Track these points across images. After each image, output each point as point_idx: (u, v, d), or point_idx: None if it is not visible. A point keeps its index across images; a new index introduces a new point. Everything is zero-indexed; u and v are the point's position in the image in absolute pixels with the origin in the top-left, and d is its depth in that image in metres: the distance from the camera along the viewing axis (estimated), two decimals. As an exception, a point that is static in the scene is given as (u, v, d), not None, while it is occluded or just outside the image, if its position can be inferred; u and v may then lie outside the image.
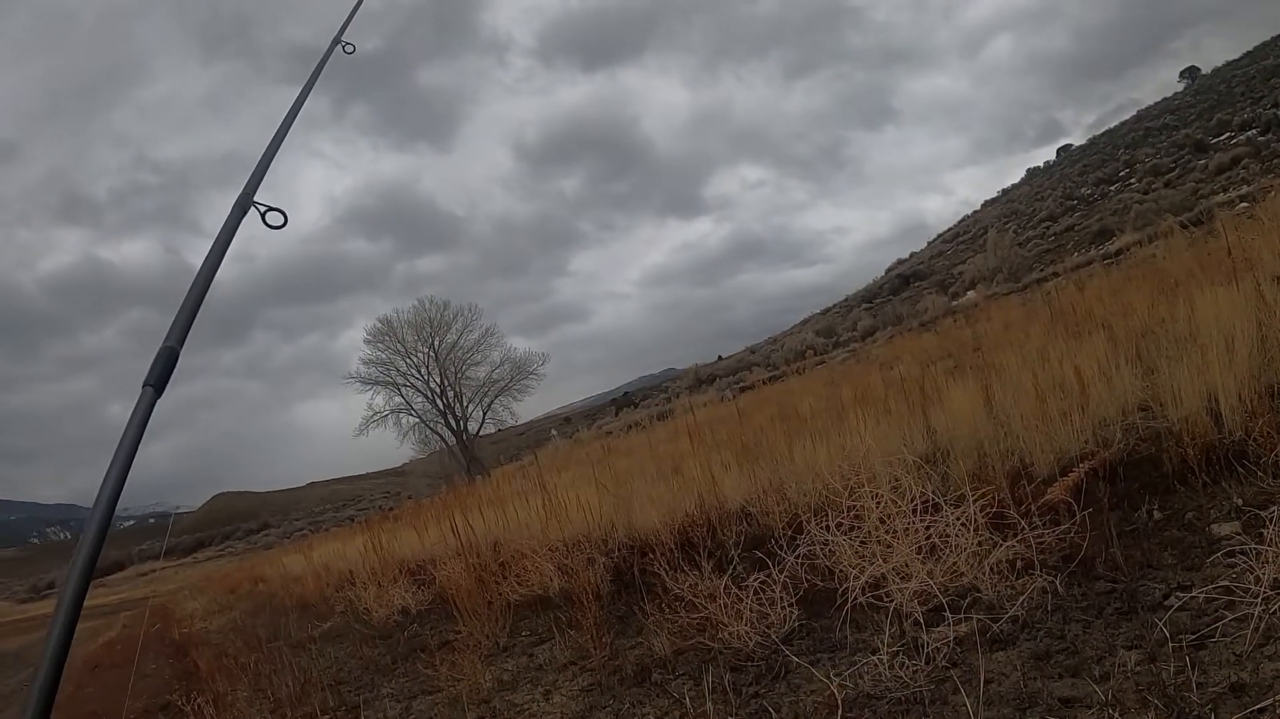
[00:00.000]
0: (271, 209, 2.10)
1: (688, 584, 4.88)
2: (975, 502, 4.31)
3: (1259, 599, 2.84)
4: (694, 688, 4.07)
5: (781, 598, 4.46)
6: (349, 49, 3.48)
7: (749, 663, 4.18)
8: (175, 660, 9.69)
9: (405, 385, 48.58)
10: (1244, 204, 17.91)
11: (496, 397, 48.98)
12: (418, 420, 48.74)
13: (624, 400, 49.28)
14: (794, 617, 4.46)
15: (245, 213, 2.09)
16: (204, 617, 16.97)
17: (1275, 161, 29.87)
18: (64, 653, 1.40)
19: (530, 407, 51.05)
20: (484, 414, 49.27)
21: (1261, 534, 3.19)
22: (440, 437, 49.08)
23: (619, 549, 6.87)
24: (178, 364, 1.82)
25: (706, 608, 4.58)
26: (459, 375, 48.92)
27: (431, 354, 48.76)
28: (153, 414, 1.74)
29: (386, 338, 48.71)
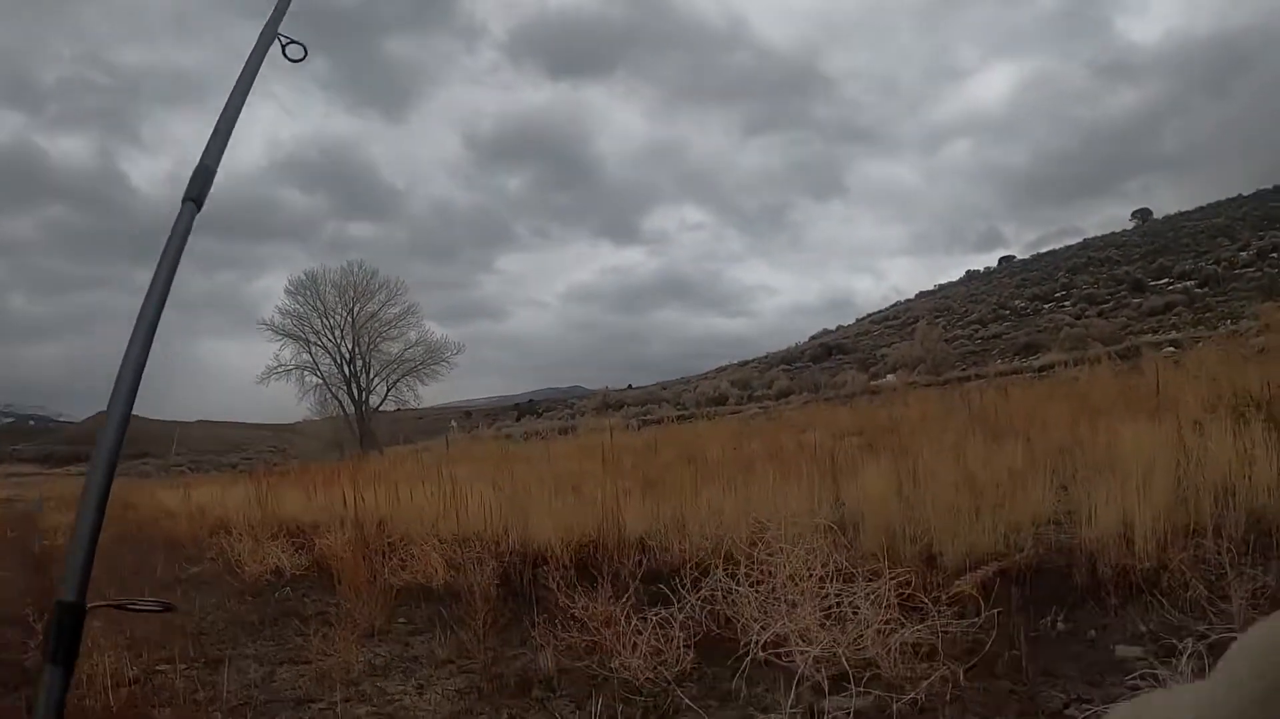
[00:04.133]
0: (293, 41, 2.15)
1: (581, 604, 4.90)
2: (890, 579, 4.46)
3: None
4: (576, 711, 4.09)
5: (680, 637, 4.52)
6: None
7: (637, 696, 4.21)
8: (33, 574, 9.28)
9: (316, 344, 48.20)
10: (1171, 348, 18.97)
11: (404, 376, 48.99)
12: (321, 382, 48.41)
13: (527, 407, 49.40)
14: (688, 659, 4.52)
15: (270, 44, 2.14)
16: (68, 533, 16.08)
17: (1207, 315, 31.74)
18: (95, 537, 1.35)
19: (434, 393, 51.16)
20: (388, 390, 49.26)
21: (1170, 662, 3.40)
22: (340, 403, 48.76)
23: (511, 555, 6.86)
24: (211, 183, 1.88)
25: (601, 633, 4.61)
26: (371, 346, 48.76)
27: (349, 319, 48.47)
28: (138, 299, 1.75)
29: (308, 292, 48.29)
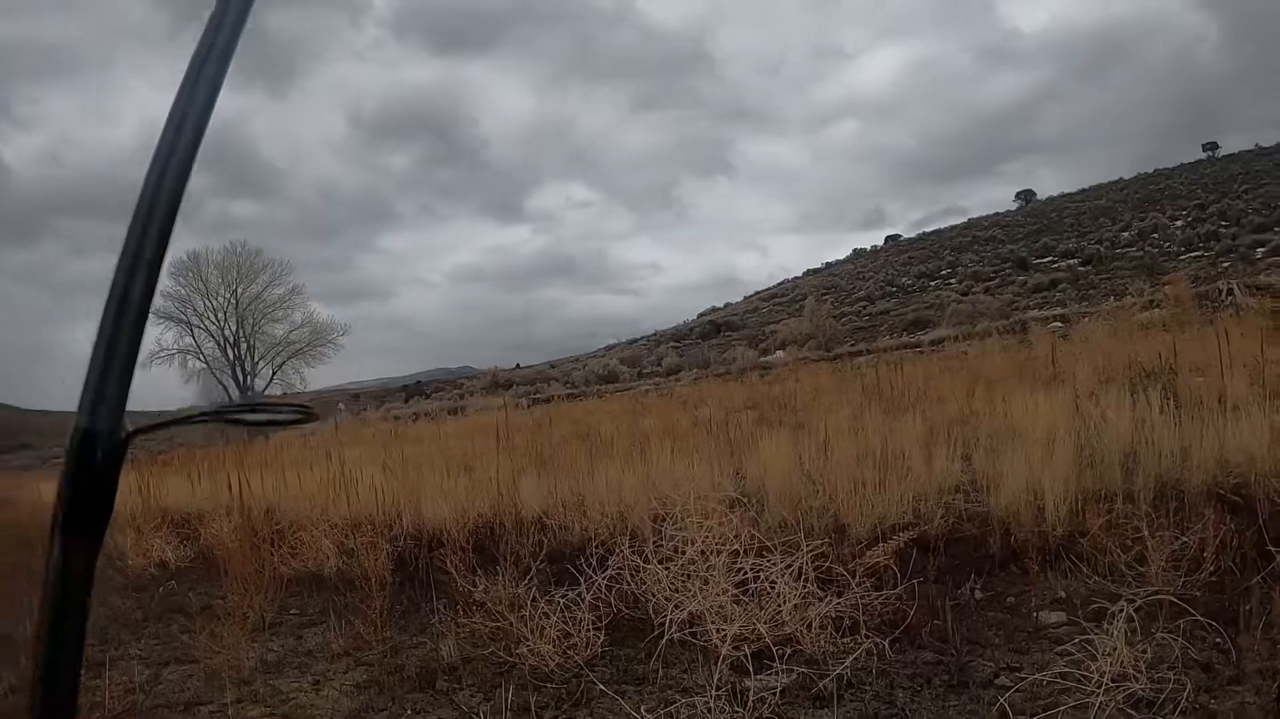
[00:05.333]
0: None
1: (482, 588, 4.69)
2: (807, 553, 4.38)
3: (1100, 689, 2.99)
4: (485, 703, 3.88)
5: (589, 619, 4.35)
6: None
7: (548, 683, 4.04)
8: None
9: (199, 327, 47.61)
10: (1058, 324, 19.66)
11: (289, 358, 48.84)
12: (205, 366, 47.92)
13: (416, 388, 48.75)
14: (599, 641, 4.35)
15: None
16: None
17: (1091, 292, 33.18)
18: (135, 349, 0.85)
19: (321, 375, 50.85)
20: (273, 374, 48.91)
21: (1089, 627, 3.40)
22: (224, 387, 47.89)
23: (405, 538, 6.59)
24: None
25: (506, 617, 4.40)
26: (256, 329, 48.30)
27: (233, 300, 47.81)
28: None
29: (190, 273, 47.44)
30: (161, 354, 46.51)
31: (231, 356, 48.32)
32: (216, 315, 47.93)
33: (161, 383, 49.74)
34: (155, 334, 46.29)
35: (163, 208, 0.88)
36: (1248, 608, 3.49)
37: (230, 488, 8.32)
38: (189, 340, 47.53)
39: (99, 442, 0.81)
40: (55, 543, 0.82)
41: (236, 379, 48.20)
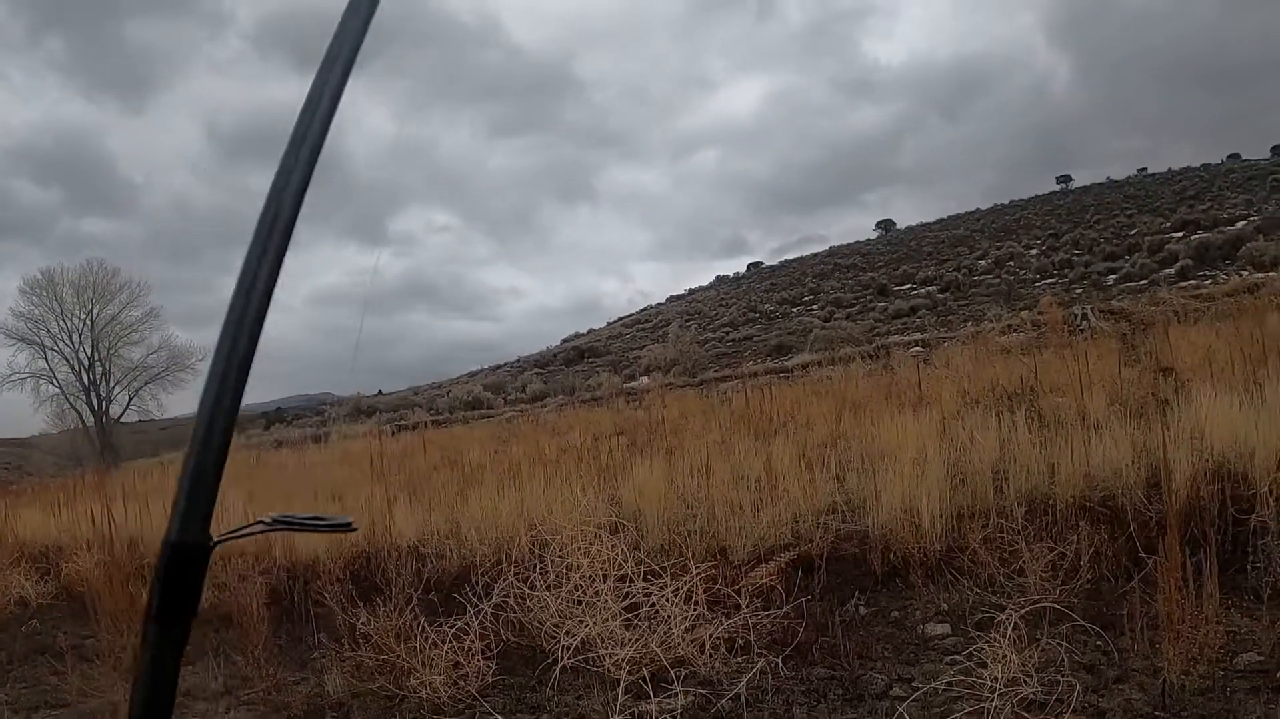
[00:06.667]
0: None
1: (364, 619, 4.56)
2: (698, 575, 4.44)
3: (994, 694, 3.13)
4: (375, 738, 3.78)
5: (478, 648, 4.29)
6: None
7: (441, 716, 3.97)
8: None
9: (52, 349, 45.03)
10: (919, 349, 20.54)
11: (147, 383, 46.42)
12: (58, 391, 45.29)
13: (276, 415, 47.28)
14: (490, 671, 4.30)
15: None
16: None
17: (950, 318, 34.84)
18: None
19: (179, 402, 48.96)
20: (130, 399, 46.60)
21: (975, 637, 3.57)
22: (79, 414, 45.68)
23: (277, 570, 6.35)
24: None
25: (394, 649, 4.29)
26: (112, 352, 45.81)
27: (88, 322, 45.38)
28: None
29: (44, 293, 44.83)
30: (13, 378, 44.38)
31: (86, 381, 45.96)
32: (71, 337, 45.63)
33: (12, 408, 47.30)
34: (6, 357, 44.31)
35: (237, 364, 1.03)
36: (1125, 612, 3.72)
37: (94, 520, 7.95)
38: (42, 364, 45.09)
39: (188, 551, 0.95)
40: (147, 635, 0.95)
41: (91, 405, 45.99)
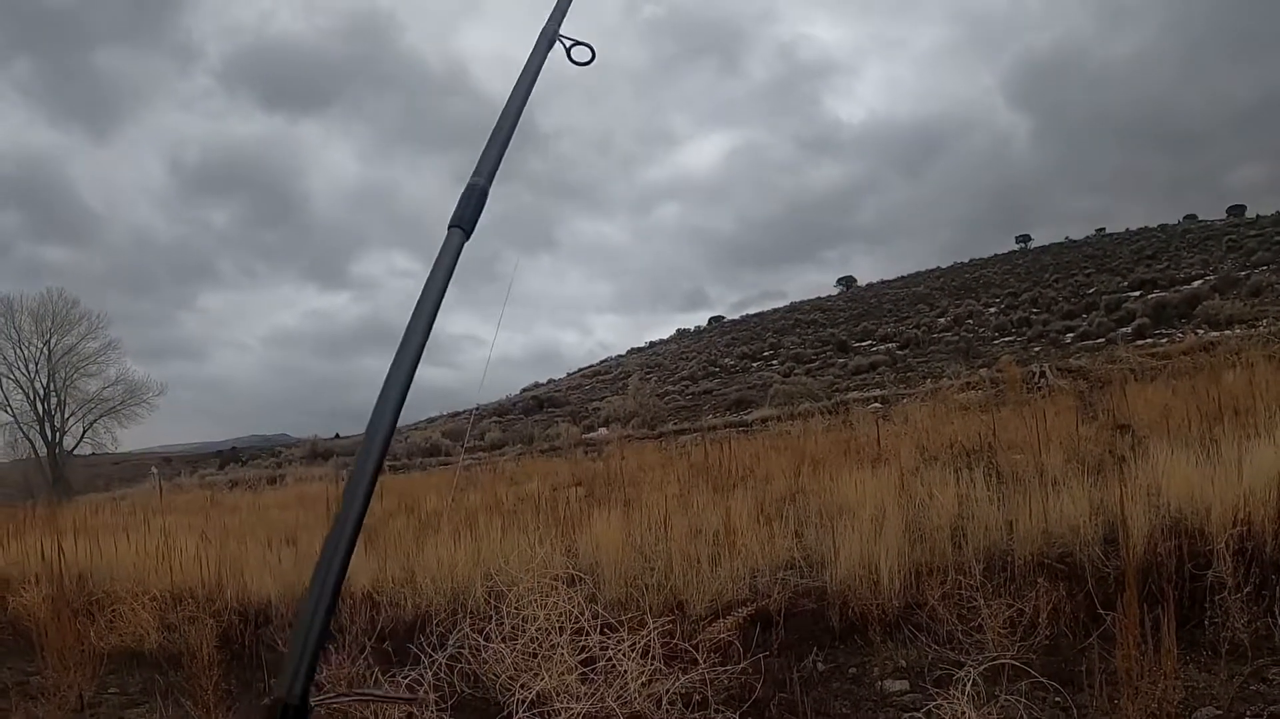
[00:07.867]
0: (578, 44, 2.00)
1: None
2: (655, 629, 4.42)
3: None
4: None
5: (433, 699, 4.23)
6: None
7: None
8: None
9: (8, 377, 45.48)
10: (878, 404, 20.73)
11: (101, 416, 46.86)
12: (11, 420, 45.65)
13: (231, 455, 46.90)
14: (445, 724, 4.24)
15: (550, 46, 1.98)
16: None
17: (909, 374, 35.22)
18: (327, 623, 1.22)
19: (133, 436, 48.79)
20: (84, 432, 46.91)
21: (934, 694, 3.58)
22: (31, 444, 45.79)
23: (229, 613, 6.26)
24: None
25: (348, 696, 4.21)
26: (68, 382, 46.35)
27: (46, 351, 45.84)
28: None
29: (2, 319, 45.45)
30: (-33, 408, 43.79)
31: (41, 411, 46.03)
32: (28, 366, 45.80)
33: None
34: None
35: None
36: (1084, 668, 3.76)
37: (42, 554, 7.82)
38: (-4, 393, 44.81)
39: (294, 713, 1.13)
40: None
41: (45, 436, 45.94)
